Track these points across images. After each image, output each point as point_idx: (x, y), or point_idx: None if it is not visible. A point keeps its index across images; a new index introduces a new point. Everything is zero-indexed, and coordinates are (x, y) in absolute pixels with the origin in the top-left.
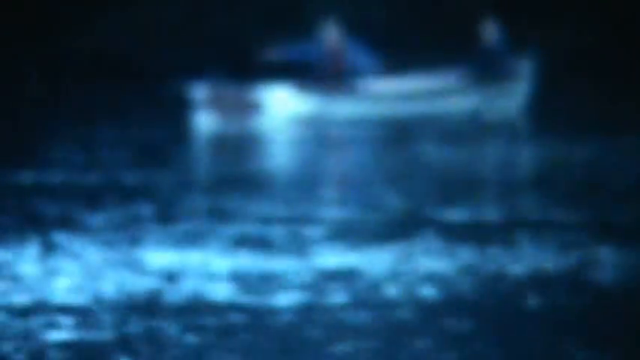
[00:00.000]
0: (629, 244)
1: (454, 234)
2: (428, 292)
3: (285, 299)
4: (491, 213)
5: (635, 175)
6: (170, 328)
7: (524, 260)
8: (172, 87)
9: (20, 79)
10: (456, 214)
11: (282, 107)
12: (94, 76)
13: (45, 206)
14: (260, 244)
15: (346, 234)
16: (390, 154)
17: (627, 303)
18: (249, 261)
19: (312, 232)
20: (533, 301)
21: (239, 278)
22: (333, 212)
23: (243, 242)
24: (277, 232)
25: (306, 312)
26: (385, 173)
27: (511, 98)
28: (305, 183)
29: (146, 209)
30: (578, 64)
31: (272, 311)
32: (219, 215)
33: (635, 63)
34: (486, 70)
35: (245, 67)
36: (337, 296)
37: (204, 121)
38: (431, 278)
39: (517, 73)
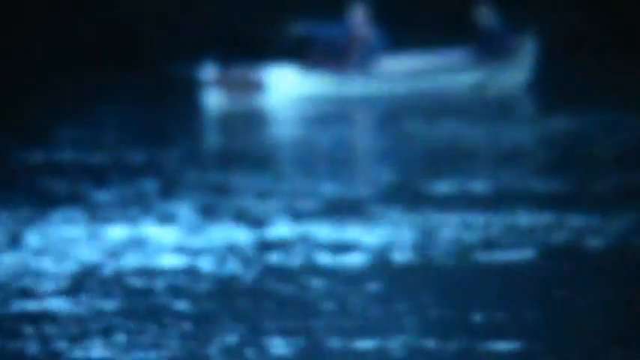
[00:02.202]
0: (605, 212)
1: (442, 205)
2: (409, 259)
3: (282, 269)
4: (478, 185)
5: (618, 146)
6: (163, 297)
7: (506, 226)
8: (179, 68)
9: (29, 63)
10: (444, 187)
11: (286, 86)
12: (101, 58)
13: (54, 184)
14: (258, 218)
15: (339, 208)
16: (387, 131)
17: (587, 266)
18: (248, 234)
19: (308, 206)
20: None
21: (238, 251)
22: (328, 187)
23: (242, 216)
24: (275, 206)
25: (303, 278)
26: (379, 149)
27: (513, 75)
28: (303, 159)
29: (151, 186)
30: (579, 42)
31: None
32: (221, 191)
33: (636, 38)
34: (487, 49)
35: (252, 47)
36: (332, 263)
37: (211, 101)
38: (415, 248)
39: (518, 52)
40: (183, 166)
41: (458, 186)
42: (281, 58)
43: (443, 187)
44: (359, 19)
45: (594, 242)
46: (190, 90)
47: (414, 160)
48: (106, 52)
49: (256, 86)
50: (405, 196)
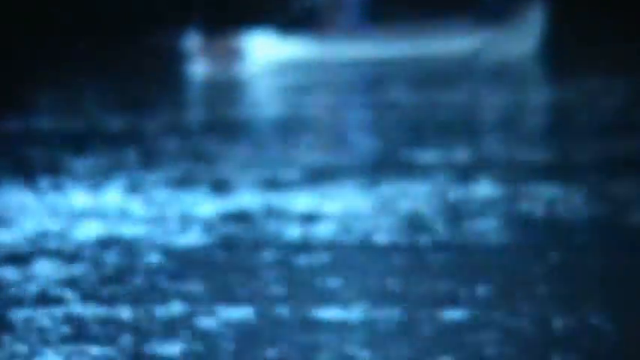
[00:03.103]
0: (581, 181)
1: (423, 174)
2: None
3: (243, 239)
4: (460, 154)
5: (606, 114)
6: (112, 268)
7: (484, 197)
8: (162, 36)
9: (5, 29)
10: (426, 156)
11: (267, 53)
12: (82, 24)
13: (32, 152)
14: (239, 187)
15: (321, 177)
16: (371, 98)
17: (553, 234)
18: (216, 204)
19: (289, 175)
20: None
21: (218, 221)
22: (309, 156)
23: (223, 186)
24: (256, 176)
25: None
26: (362, 116)
27: (516, 42)
28: (285, 127)
29: (130, 154)
30: (591, 7)
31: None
32: (201, 159)
33: None
34: (488, 14)
35: (230, 14)
36: (302, 234)
37: (192, 69)
38: (406, 217)
39: (521, 18)
40: (163, 135)
41: (440, 155)
42: (263, 24)
43: (425, 156)
44: None
45: (563, 211)
46: (172, 58)
47: (398, 128)
48: (87, 18)
49: (237, 54)
50: (387, 165)
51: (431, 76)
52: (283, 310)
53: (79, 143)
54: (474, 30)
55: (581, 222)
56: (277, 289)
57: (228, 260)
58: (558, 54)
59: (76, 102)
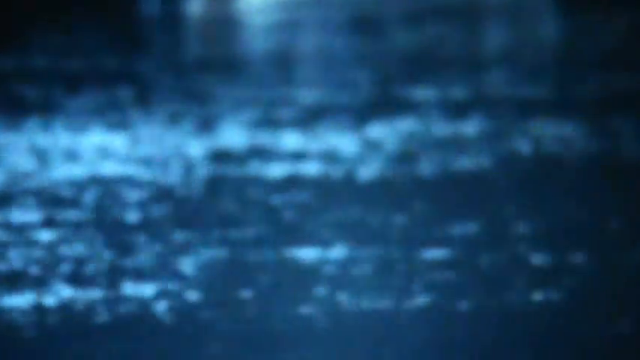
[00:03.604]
0: (580, 117)
1: (419, 112)
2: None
3: (229, 178)
4: (458, 91)
5: (607, 50)
6: (89, 208)
7: (484, 136)
8: None
9: None
10: (423, 93)
11: None
12: None
13: (26, 91)
14: (234, 125)
15: (312, 115)
16: (369, 35)
17: (540, 173)
18: (215, 142)
19: (279, 114)
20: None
21: (202, 160)
22: (305, 94)
23: (212, 125)
24: (246, 114)
25: (285, 183)
26: (359, 54)
27: None
28: (280, 65)
29: (126, 92)
30: None
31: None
32: (194, 98)
33: None
34: None
35: None
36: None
37: (187, 8)
38: (397, 158)
39: None
40: (158, 73)
41: (435, 91)
42: None
43: (422, 93)
44: None
45: (555, 149)
46: None
47: (393, 65)
48: None
49: None
50: (379, 102)
51: (429, 11)
52: (261, 250)
53: (73, 82)
54: None
55: (572, 158)
56: (256, 229)
57: (208, 199)
58: None
59: (71, 41)
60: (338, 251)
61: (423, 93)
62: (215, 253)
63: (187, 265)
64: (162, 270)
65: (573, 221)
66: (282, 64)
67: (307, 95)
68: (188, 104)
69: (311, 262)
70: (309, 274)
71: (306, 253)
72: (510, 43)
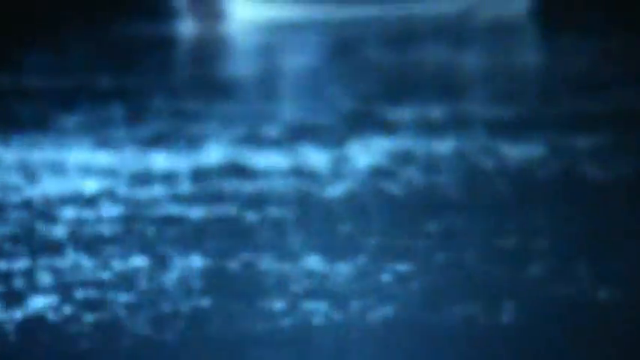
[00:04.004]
0: (546, 138)
1: (400, 131)
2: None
3: (243, 190)
4: (435, 111)
5: (580, 74)
6: (63, 225)
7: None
8: None
9: None
10: (401, 113)
11: (247, 13)
12: None
13: (18, 108)
14: (218, 143)
15: (299, 134)
16: (350, 57)
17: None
18: (223, 158)
19: (267, 132)
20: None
21: (202, 174)
22: (288, 112)
23: (202, 141)
24: (236, 132)
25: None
26: (342, 74)
27: (510, 1)
28: (264, 85)
29: (116, 111)
30: None
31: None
32: (184, 116)
33: None
34: None
35: None
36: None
37: (177, 29)
38: (375, 173)
39: None
40: (149, 93)
41: (415, 112)
42: None
43: (400, 113)
44: None
45: (525, 168)
46: (159, 18)
47: (373, 86)
48: None
49: (220, 14)
50: (363, 122)
51: (410, 34)
52: (231, 264)
53: (65, 100)
54: None
55: (541, 177)
56: (231, 242)
57: (181, 215)
58: (549, 15)
59: (63, 60)
60: (310, 264)
61: (400, 113)
62: (192, 265)
63: (164, 276)
64: (140, 282)
65: (540, 240)
66: (268, 84)
67: (290, 114)
68: (175, 122)
69: (284, 274)
70: (282, 285)
71: (280, 266)
72: (486, 65)
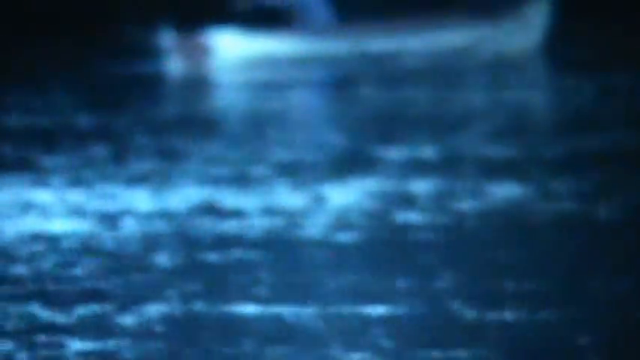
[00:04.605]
0: (557, 175)
1: (385, 171)
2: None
3: (235, 233)
4: (427, 151)
5: (575, 111)
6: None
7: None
8: (133, 32)
9: None
10: (393, 152)
11: (236, 50)
12: (52, 25)
13: (1, 148)
14: (210, 183)
15: (291, 173)
16: (341, 94)
17: (506, 227)
18: (200, 198)
19: (259, 171)
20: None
21: (191, 215)
22: (279, 152)
23: (194, 181)
24: (226, 171)
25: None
26: (331, 113)
27: (516, 37)
28: (252, 124)
29: (101, 151)
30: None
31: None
32: (171, 155)
33: None
34: (481, 8)
35: (200, 12)
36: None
37: (169, 66)
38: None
39: (522, 13)
40: (133, 132)
41: (406, 152)
42: (231, 22)
43: (391, 152)
44: None
45: (519, 208)
46: (143, 55)
47: (364, 125)
48: (57, 16)
49: (207, 51)
50: (354, 161)
51: (402, 73)
52: (196, 307)
53: (47, 140)
54: (466, 24)
55: (533, 218)
56: (194, 286)
57: (148, 256)
58: (552, 51)
59: (46, 99)
60: (279, 307)
61: (389, 152)
62: (157, 309)
63: (128, 321)
64: (102, 326)
65: (519, 283)
66: (256, 123)
67: (276, 153)
68: (157, 162)
69: (252, 319)
70: (247, 330)
71: (243, 309)
72: (482, 103)
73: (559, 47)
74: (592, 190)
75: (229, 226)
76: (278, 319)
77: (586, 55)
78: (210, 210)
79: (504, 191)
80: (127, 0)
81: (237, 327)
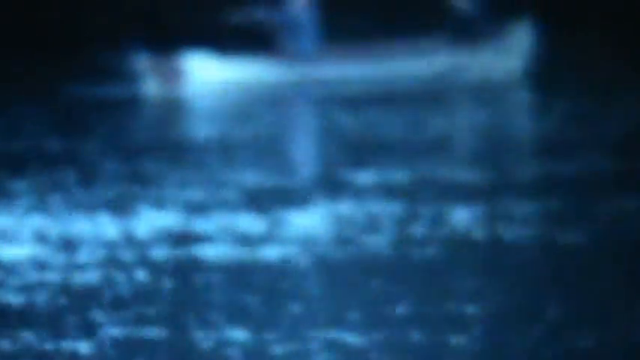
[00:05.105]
0: (527, 200)
1: (364, 196)
2: (336, 253)
3: (204, 256)
4: (399, 175)
5: (543, 134)
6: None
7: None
8: (102, 57)
9: None
10: (365, 177)
11: (208, 74)
12: (18, 47)
13: None
14: (179, 209)
15: (260, 198)
16: (314, 120)
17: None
18: (169, 223)
19: (225, 196)
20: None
21: (159, 240)
22: (249, 177)
23: (162, 206)
24: (193, 196)
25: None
26: (303, 138)
27: (501, 62)
28: (223, 149)
29: (69, 175)
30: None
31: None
32: (140, 180)
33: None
34: (461, 34)
35: (174, 36)
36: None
37: (135, 90)
38: (342, 241)
39: (503, 38)
40: (102, 156)
41: (379, 176)
42: (208, 46)
43: (364, 177)
44: (299, 4)
45: (489, 232)
46: (113, 79)
47: (338, 150)
48: (24, 39)
49: (180, 75)
50: (326, 186)
51: (373, 97)
52: (155, 333)
53: (15, 164)
54: (448, 49)
55: (502, 241)
56: (150, 311)
57: (105, 282)
58: (539, 76)
59: (14, 123)
60: (235, 334)
61: (358, 177)
62: (114, 333)
63: (83, 347)
64: (58, 352)
65: (472, 307)
66: (226, 148)
67: (246, 179)
68: (126, 187)
69: (207, 344)
70: (205, 356)
71: (203, 335)
72: (451, 128)
73: (541, 72)
74: (558, 215)
75: (189, 252)
76: (234, 345)
77: (568, 80)
78: (171, 235)
79: (470, 216)
80: (96, 22)
81: (194, 352)
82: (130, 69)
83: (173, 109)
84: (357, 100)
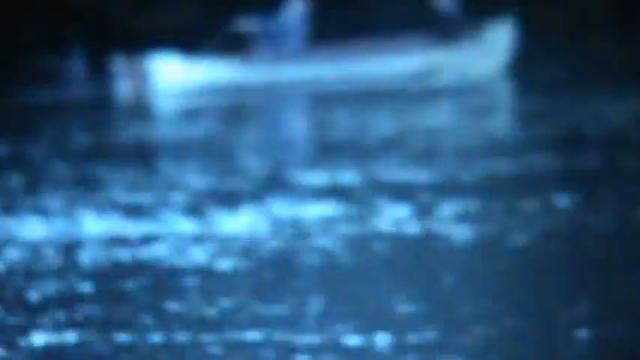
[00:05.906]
0: (471, 201)
1: (311, 196)
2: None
3: (152, 259)
4: (347, 176)
5: (486, 135)
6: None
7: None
8: (50, 61)
9: None
10: (313, 178)
11: (173, 76)
12: None
13: None
14: (127, 211)
15: (207, 200)
16: (268, 122)
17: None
18: (117, 227)
19: (175, 198)
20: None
21: (107, 244)
22: (196, 179)
23: (111, 209)
24: (143, 199)
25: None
26: (255, 140)
27: (480, 61)
28: (173, 152)
29: (15, 180)
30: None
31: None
32: (88, 183)
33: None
34: (441, 33)
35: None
36: (196, 256)
37: (117, 90)
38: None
39: (482, 38)
40: (50, 160)
41: (327, 177)
42: (174, 48)
43: (311, 178)
44: (297, 10)
45: (414, 230)
46: (62, 82)
47: (289, 151)
48: None
49: (145, 77)
50: (274, 187)
51: (322, 98)
52: (72, 337)
53: None
54: (428, 48)
55: (447, 242)
56: (68, 317)
57: (29, 288)
58: (515, 76)
59: None
60: (181, 337)
61: (313, 177)
62: (56, 337)
63: (24, 352)
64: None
65: (428, 309)
66: (177, 151)
67: (196, 181)
68: (73, 191)
69: (128, 348)
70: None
71: (125, 339)
72: (400, 129)
73: (521, 70)
74: (507, 215)
75: (115, 255)
76: (156, 348)
77: (548, 78)
78: (103, 239)
79: (413, 214)
80: (42, 26)
81: (113, 358)
82: (73, 72)
83: (130, 111)
84: (326, 99)
